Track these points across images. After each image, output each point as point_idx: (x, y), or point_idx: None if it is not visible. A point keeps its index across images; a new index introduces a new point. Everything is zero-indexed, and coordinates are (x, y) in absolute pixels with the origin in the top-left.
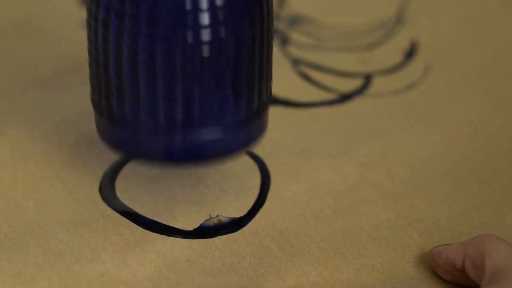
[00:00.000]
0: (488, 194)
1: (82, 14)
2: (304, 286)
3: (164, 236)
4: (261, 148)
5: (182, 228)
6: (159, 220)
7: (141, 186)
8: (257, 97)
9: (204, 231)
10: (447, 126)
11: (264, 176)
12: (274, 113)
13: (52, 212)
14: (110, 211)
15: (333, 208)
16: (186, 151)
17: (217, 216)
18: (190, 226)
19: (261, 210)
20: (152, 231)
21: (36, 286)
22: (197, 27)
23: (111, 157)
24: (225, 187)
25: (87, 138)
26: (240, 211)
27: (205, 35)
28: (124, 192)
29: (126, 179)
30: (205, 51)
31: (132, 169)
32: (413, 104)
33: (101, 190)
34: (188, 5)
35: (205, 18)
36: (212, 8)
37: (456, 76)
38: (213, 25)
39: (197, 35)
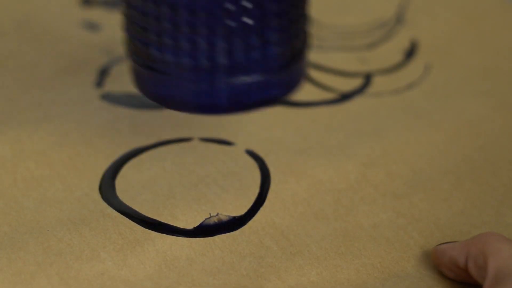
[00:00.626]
0: (488, 193)
1: (82, 14)
2: (305, 286)
3: (164, 235)
4: (261, 147)
5: (182, 227)
6: (159, 219)
7: (141, 185)
8: (294, 41)
9: (204, 230)
10: (447, 126)
11: (264, 175)
12: (274, 113)
13: (52, 211)
14: (110, 210)
15: (333, 207)
16: (228, 97)
17: (217, 215)
18: (190, 225)
19: (261, 209)
20: (152, 230)
21: (36, 284)
22: None
23: (111, 156)
24: (225, 186)
25: (87, 137)
26: (240, 210)
27: None
28: (124, 191)
29: (126, 178)
30: None
31: (132, 168)
32: (413, 103)
33: (101, 189)
34: None
35: None
36: None
37: (456, 76)
38: None
39: None
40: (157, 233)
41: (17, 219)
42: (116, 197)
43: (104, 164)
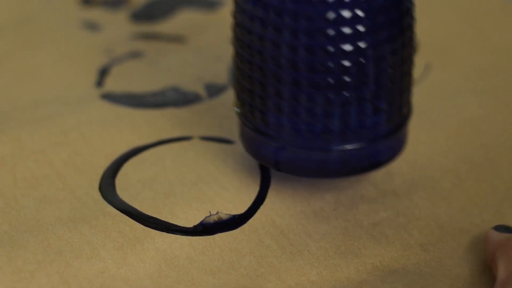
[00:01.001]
0: (488, 192)
1: (82, 14)
2: (304, 286)
3: (164, 233)
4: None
5: (182, 225)
6: (159, 217)
7: (141, 183)
8: (403, 109)
9: (204, 228)
10: (447, 124)
11: (264, 174)
12: None
13: (51, 209)
14: (110, 208)
15: (333, 206)
16: (339, 163)
17: (217, 213)
18: (190, 223)
19: (261, 207)
20: (152, 228)
21: (35, 283)
22: (338, 38)
23: (111, 155)
24: (225, 184)
25: (87, 137)
26: (240, 208)
27: (346, 46)
28: (124, 190)
29: (126, 176)
30: (346, 62)
31: (132, 167)
32: (414, 102)
33: (101, 188)
34: (330, 16)
35: (346, 30)
36: (354, 20)
37: (456, 75)
38: (354, 36)
39: (338, 47)
40: (157, 231)
41: (17, 218)
42: (116, 196)
43: (104, 163)
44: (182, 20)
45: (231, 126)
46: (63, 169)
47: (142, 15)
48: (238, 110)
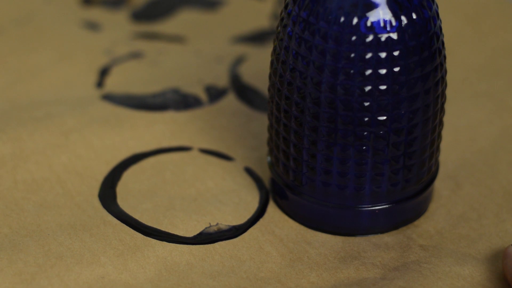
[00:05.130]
0: (487, 196)
1: (83, 14)
2: (304, 287)
3: (164, 242)
4: (259, 164)
5: (182, 235)
6: (159, 228)
7: (141, 194)
8: (427, 171)
9: (204, 238)
10: (446, 128)
11: (263, 194)
12: None
13: (52, 215)
14: (110, 217)
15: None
16: (369, 222)
17: (217, 224)
18: (190, 233)
19: (261, 220)
20: (152, 238)
21: (36, 285)
22: (375, 91)
23: (111, 161)
24: (224, 200)
25: (87, 139)
26: (239, 221)
27: (382, 118)
28: (124, 200)
29: (126, 186)
30: (381, 132)
31: (132, 176)
32: None
33: (100, 196)
34: (367, 72)
35: (383, 83)
36: (390, 74)
37: (456, 77)
38: (390, 91)
39: (373, 117)
40: (157, 240)
41: (17, 222)
42: (117, 205)
43: (104, 169)
44: (182, 20)
45: (231, 140)
46: (63, 173)
47: (142, 15)
48: (270, 162)
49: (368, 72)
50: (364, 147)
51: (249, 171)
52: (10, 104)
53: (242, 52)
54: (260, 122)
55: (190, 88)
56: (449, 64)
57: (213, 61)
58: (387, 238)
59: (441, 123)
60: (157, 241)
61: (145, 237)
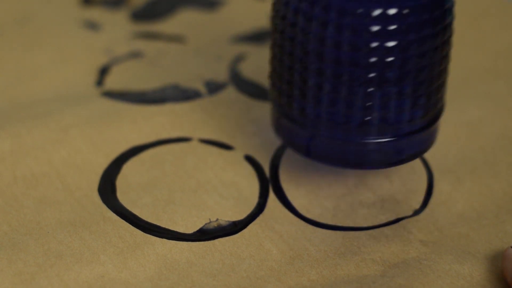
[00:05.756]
0: (487, 196)
1: (82, 13)
2: (304, 285)
3: (164, 239)
4: (259, 151)
5: (182, 232)
6: (159, 224)
7: (141, 187)
8: (433, 106)
9: (204, 234)
10: (446, 127)
11: (263, 184)
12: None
13: (52, 211)
14: (110, 213)
15: (332, 212)
16: (376, 156)
17: (216, 220)
18: (190, 230)
19: (261, 215)
20: (152, 234)
21: (36, 285)
22: (383, 34)
23: (110, 154)
24: (224, 194)
25: (86, 133)
26: (239, 216)
27: (390, 43)
28: (124, 194)
29: (126, 179)
30: (389, 58)
31: (132, 169)
32: None
33: (100, 190)
34: (376, 13)
35: (391, 27)
36: (399, 17)
37: (456, 77)
38: (398, 33)
39: (382, 43)
40: (157, 237)
41: (17, 219)
42: (116, 200)
43: (103, 162)
44: (182, 20)
45: (231, 129)
46: (62, 168)
47: (142, 15)
48: (272, 97)
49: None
50: (371, 75)
51: (249, 159)
52: (10, 104)
53: (242, 51)
54: (260, 109)
55: (190, 83)
56: (450, 65)
57: (213, 60)
58: (387, 231)
59: (448, 57)
60: (157, 238)
61: (144, 234)
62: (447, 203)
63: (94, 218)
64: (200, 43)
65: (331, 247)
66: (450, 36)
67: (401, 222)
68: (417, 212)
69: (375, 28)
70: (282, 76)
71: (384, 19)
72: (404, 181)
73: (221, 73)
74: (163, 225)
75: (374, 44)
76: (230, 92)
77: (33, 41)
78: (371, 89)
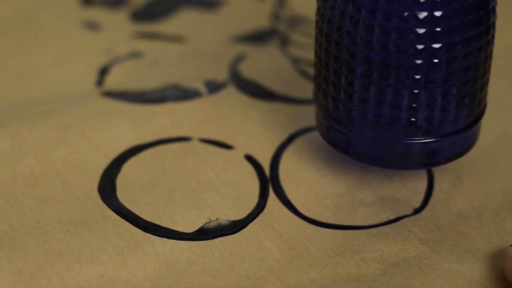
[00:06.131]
0: (488, 195)
1: (83, 13)
2: (304, 284)
3: (164, 238)
4: (259, 151)
5: (182, 231)
6: (159, 223)
7: (141, 187)
8: (477, 105)
9: (204, 233)
10: None
11: (263, 184)
12: (274, 109)
13: (51, 210)
14: (110, 212)
15: (332, 211)
16: (419, 156)
17: (216, 219)
18: (190, 229)
19: (261, 214)
20: (152, 233)
21: (36, 284)
22: (429, 36)
23: (110, 153)
24: (224, 193)
25: (86, 133)
26: (239, 215)
27: (436, 44)
28: (124, 193)
29: (126, 179)
30: (435, 59)
31: (132, 168)
32: None
33: (100, 189)
34: (422, 15)
35: (437, 28)
36: (445, 18)
37: None
38: (445, 35)
39: (428, 45)
40: (157, 236)
41: (17, 218)
42: (116, 199)
43: (103, 162)
44: (182, 20)
45: (231, 128)
46: (62, 167)
47: (142, 15)
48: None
49: None
50: (417, 77)
51: (249, 159)
52: (10, 103)
53: (242, 51)
54: (260, 108)
55: (190, 82)
56: None
57: (213, 60)
58: (387, 230)
59: (491, 55)
60: (157, 237)
61: (145, 233)
62: (447, 202)
63: (94, 217)
64: (200, 43)
65: (331, 246)
66: (493, 36)
67: (401, 221)
68: (417, 211)
69: (421, 31)
70: (327, 79)
71: (430, 21)
72: (404, 180)
73: (221, 73)
74: (163, 224)
75: (420, 47)
76: (230, 92)
77: (33, 41)
78: (417, 90)
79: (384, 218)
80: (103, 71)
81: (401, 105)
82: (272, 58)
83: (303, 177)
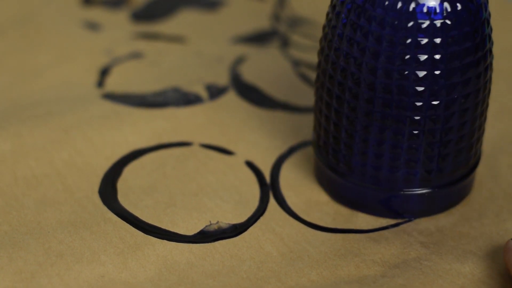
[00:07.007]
0: (488, 197)
1: (83, 14)
2: (305, 285)
3: (165, 240)
4: (260, 157)
5: (182, 233)
6: (159, 226)
7: (142, 190)
8: (473, 157)
9: (205, 236)
10: None
11: (264, 190)
12: (274, 117)
13: (52, 212)
14: (110, 214)
15: (333, 216)
16: (413, 205)
17: (217, 223)
18: (190, 232)
19: (261, 218)
20: (153, 236)
21: (36, 283)
22: (430, 90)
23: (111, 156)
24: (225, 197)
25: (87, 135)
26: (240, 219)
27: (435, 102)
28: (125, 196)
29: (127, 182)
30: (433, 115)
31: (132, 172)
32: None
33: (101, 192)
34: (422, 58)
35: (435, 87)
36: (446, 75)
37: None
38: (445, 90)
39: (427, 102)
40: (158, 239)
41: (17, 219)
42: (117, 202)
43: (104, 165)
44: (182, 20)
45: (232, 134)
46: (63, 169)
47: (142, 15)
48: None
49: (423, 58)
50: (416, 132)
51: (250, 165)
52: (10, 104)
53: (243, 52)
54: (261, 117)
55: (191, 86)
56: None
57: (214, 61)
58: (387, 233)
59: (487, 106)
60: (158, 239)
61: (145, 235)
62: None
63: (94, 219)
64: (200, 44)
65: (331, 249)
66: (489, 91)
67: (401, 226)
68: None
69: (420, 89)
70: (327, 131)
71: (429, 79)
72: None
73: (222, 76)
74: (163, 227)
75: (419, 104)
76: (231, 98)
77: (34, 41)
78: (416, 145)
79: (384, 222)
80: (104, 72)
81: (400, 158)
82: (273, 60)
83: (303, 186)
